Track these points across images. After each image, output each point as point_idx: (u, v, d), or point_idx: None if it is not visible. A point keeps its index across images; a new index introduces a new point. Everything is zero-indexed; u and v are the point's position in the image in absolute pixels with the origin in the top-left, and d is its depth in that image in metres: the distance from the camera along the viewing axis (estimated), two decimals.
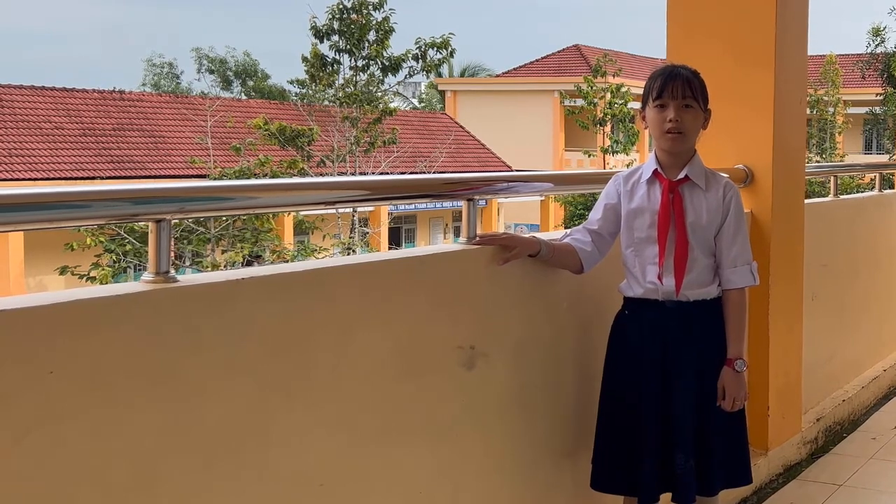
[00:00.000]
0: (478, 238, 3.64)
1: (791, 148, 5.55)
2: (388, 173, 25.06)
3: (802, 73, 5.71)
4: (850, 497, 5.32)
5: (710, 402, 3.79)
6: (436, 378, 3.42)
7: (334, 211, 25.91)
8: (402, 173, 23.86)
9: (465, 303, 3.55)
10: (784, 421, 5.62)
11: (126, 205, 2.73)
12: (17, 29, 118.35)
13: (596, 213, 3.91)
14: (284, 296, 2.90)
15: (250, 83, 63.60)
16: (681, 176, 3.77)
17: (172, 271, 2.68)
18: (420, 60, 27.72)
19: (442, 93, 52.59)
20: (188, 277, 2.73)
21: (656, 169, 3.80)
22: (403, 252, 3.61)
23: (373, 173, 25.47)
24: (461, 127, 41.96)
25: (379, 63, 27.45)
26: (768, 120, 5.30)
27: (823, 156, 41.84)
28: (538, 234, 3.97)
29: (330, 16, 27.02)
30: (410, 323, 3.33)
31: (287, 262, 20.75)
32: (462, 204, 3.72)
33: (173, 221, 2.76)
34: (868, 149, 51.24)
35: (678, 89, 3.72)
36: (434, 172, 28.12)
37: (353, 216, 26.55)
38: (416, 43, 27.58)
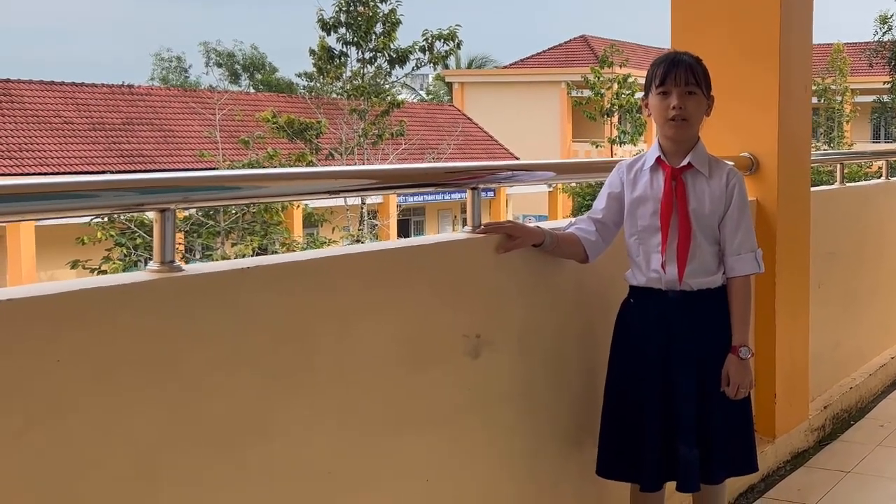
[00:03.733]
0: (482, 227, 3.65)
1: (796, 136, 5.54)
2: (389, 164, 25.03)
3: (807, 60, 5.71)
4: (857, 484, 5.33)
5: (713, 392, 3.78)
6: (441, 367, 3.43)
7: (343, 203, 25.94)
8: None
9: (471, 291, 3.56)
10: (791, 408, 5.63)
11: (131, 194, 2.75)
12: (27, 27, 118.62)
13: (600, 203, 3.92)
14: (290, 285, 2.91)
15: (258, 76, 63.64)
16: (684, 163, 3.77)
17: (177, 261, 2.70)
18: (427, 52, 27.75)
19: (449, 85, 52.59)
20: (193, 267, 2.75)
21: (659, 156, 3.80)
22: (409, 241, 3.62)
23: (379, 165, 25.45)
24: (469, 119, 41.96)
25: (386, 55, 27.49)
26: (773, 108, 5.30)
27: (831, 144, 41.79)
28: (542, 224, 3.97)
29: (337, 8, 27.07)
30: (416, 312, 3.34)
31: None
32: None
33: (182, 212, 2.77)
34: (876, 137, 51.13)
35: (681, 76, 3.71)
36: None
37: (362, 208, 26.59)
38: (423, 35, 27.61)
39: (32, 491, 2.31)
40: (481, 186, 3.75)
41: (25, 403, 2.29)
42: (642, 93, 3.94)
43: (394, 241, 3.82)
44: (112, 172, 24.09)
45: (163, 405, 2.57)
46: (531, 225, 3.83)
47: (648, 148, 3.91)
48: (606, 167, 4.06)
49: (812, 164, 6.01)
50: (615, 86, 34.94)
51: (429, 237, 3.85)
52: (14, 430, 2.26)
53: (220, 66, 59.87)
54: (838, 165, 7.25)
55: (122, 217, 19.41)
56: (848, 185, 7.32)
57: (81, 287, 2.43)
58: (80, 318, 2.40)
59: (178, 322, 2.61)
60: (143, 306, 2.54)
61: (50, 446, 2.33)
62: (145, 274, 2.62)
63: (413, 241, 3.62)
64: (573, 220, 3.96)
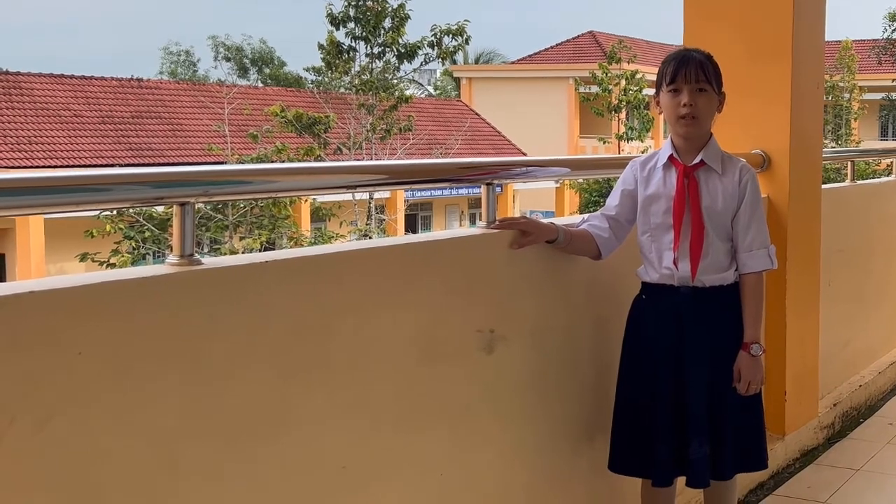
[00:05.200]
0: (497, 222, 3.66)
1: (808, 133, 5.55)
2: (402, 159, 25.05)
3: (819, 57, 5.71)
4: (866, 482, 5.34)
5: (724, 389, 3.78)
6: (455, 362, 3.44)
7: (351, 197, 25.97)
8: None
9: (485, 286, 3.57)
10: (801, 406, 5.63)
11: (149, 188, 2.76)
12: (37, 22, 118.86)
13: (613, 199, 3.92)
14: (306, 280, 2.93)
15: (266, 71, 63.63)
16: (696, 161, 3.77)
17: (196, 254, 2.71)
18: (435, 47, 27.77)
19: (457, 80, 52.57)
20: (212, 260, 2.76)
21: (672, 154, 3.80)
22: (424, 236, 3.64)
23: (389, 160, 25.49)
24: (476, 114, 41.95)
25: (394, 50, 27.51)
26: (785, 104, 5.30)
27: (839, 142, 41.69)
28: (555, 220, 3.98)
29: (346, 3, 27.06)
30: (430, 306, 3.35)
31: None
32: (479, 190, 3.74)
33: (196, 205, 2.78)
34: (884, 135, 51.01)
35: (691, 73, 3.71)
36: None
37: (370, 203, 26.61)
38: (432, 30, 27.63)
39: (53, 481, 2.33)
40: (496, 182, 3.76)
41: (46, 395, 2.30)
42: (650, 89, 3.95)
43: (409, 236, 3.82)
44: (121, 165, 24.26)
45: (180, 398, 2.59)
46: (545, 221, 3.84)
47: (656, 144, 3.91)
48: (620, 164, 4.07)
49: (823, 162, 6.01)
50: (623, 82, 34.88)
51: (445, 232, 3.85)
52: (35, 421, 2.28)
53: (228, 60, 59.90)
54: (849, 163, 7.25)
55: (130, 210, 19.45)
56: (858, 182, 7.32)
57: (102, 280, 2.45)
58: (102, 310, 2.41)
59: (196, 315, 2.62)
60: (163, 299, 2.55)
61: (70, 438, 2.34)
62: (165, 267, 2.63)
63: (428, 235, 3.64)
64: (586, 216, 3.96)
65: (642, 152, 5.32)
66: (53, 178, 2.59)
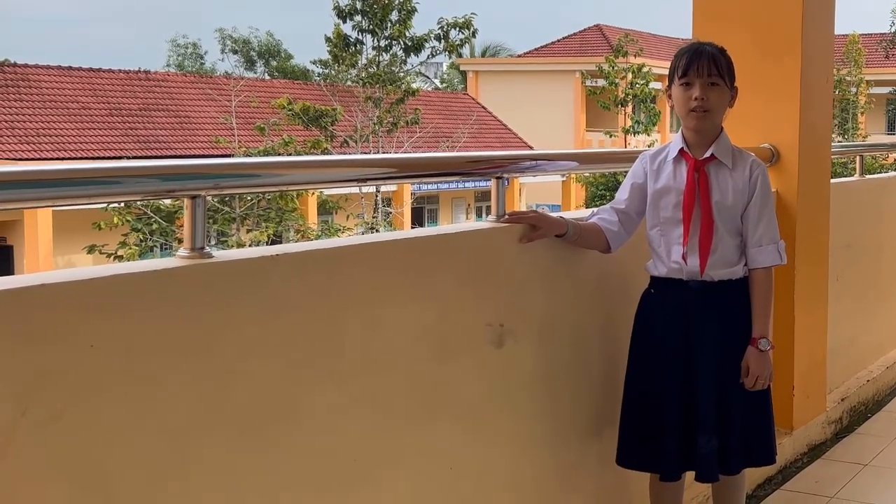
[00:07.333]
0: (507, 216, 3.66)
1: (817, 127, 5.54)
2: (411, 153, 25.06)
3: (829, 51, 5.70)
4: (874, 476, 5.34)
5: (733, 383, 3.78)
6: (465, 356, 3.45)
7: (358, 190, 25.98)
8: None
9: (494, 281, 3.57)
10: (809, 401, 5.63)
11: (160, 181, 2.76)
12: (44, 14, 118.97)
13: (623, 193, 3.92)
14: (318, 273, 2.93)
15: (273, 63, 63.62)
16: (707, 155, 3.77)
17: (207, 247, 2.72)
18: (442, 40, 27.75)
19: (463, 73, 52.55)
20: (223, 253, 2.76)
21: (682, 148, 3.80)
22: (435, 230, 3.64)
23: (396, 153, 25.49)
24: (483, 107, 41.91)
25: (401, 43, 27.52)
26: (794, 100, 5.29)
27: (846, 136, 41.60)
28: (564, 214, 3.98)
29: None
30: (441, 301, 3.35)
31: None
32: (487, 183, 3.74)
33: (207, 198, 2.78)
34: (891, 129, 50.94)
35: (704, 67, 3.70)
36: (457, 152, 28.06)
37: (377, 196, 26.62)
38: (439, 23, 27.61)
39: (66, 474, 2.34)
40: (505, 176, 3.76)
41: (58, 387, 2.30)
42: (657, 83, 3.94)
43: (420, 230, 3.83)
44: (129, 158, 24.30)
45: (192, 391, 2.59)
46: (554, 215, 3.84)
47: (662, 138, 3.90)
48: (629, 157, 4.07)
49: (832, 156, 6.00)
50: (629, 75, 34.77)
51: (455, 226, 3.86)
52: (48, 414, 2.28)
53: (235, 52, 59.93)
54: (858, 157, 7.23)
55: (138, 203, 19.47)
56: (867, 177, 7.30)
57: (114, 273, 2.46)
58: (113, 304, 2.41)
59: (208, 308, 2.63)
60: (175, 292, 2.55)
61: (82, 430, 2.35)
62: (176, 260, 2.63)
63: (439, 229, 3.64)
64: (595, 210, 3.96)
65: (648, 146, 5.30)
66: (66, 170, 2.60)
